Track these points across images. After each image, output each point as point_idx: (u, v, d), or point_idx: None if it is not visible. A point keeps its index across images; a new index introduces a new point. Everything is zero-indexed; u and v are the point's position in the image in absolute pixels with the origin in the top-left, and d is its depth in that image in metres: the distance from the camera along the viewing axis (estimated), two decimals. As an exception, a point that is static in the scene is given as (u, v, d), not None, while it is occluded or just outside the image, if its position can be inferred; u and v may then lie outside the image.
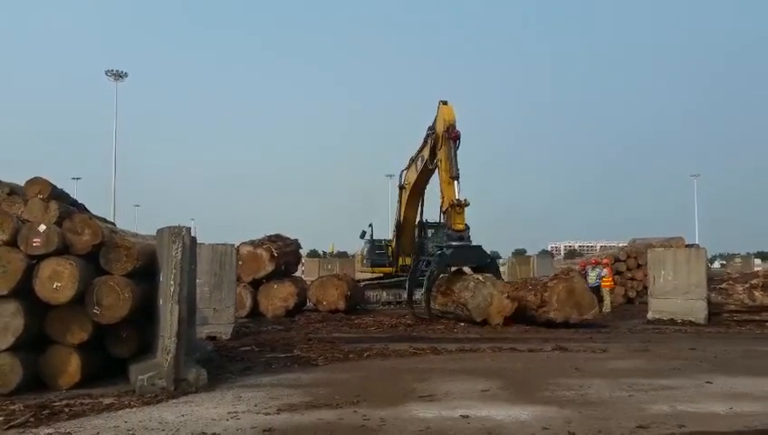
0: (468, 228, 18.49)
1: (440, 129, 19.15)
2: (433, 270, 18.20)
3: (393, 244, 25.22)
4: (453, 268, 19.15)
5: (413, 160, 22.28)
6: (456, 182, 18.47)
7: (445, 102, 19.33)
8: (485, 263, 18.55)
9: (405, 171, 23.32)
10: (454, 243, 18.30)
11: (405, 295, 22.64)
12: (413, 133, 21.96)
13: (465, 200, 18.28)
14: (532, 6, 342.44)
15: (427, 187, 22.13)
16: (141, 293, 8.43)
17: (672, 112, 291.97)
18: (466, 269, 19.06)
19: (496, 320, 16.22)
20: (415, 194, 22.73)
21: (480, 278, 17.10)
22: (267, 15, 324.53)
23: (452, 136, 18.67)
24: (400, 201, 23.90)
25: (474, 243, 18.70)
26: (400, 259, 24.64)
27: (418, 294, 19.38)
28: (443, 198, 19.04)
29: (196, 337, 11.22)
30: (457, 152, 18.73)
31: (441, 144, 19.05)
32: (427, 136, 20.36)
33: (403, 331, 15.63)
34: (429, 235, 23.93)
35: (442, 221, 19.89)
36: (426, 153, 20.51)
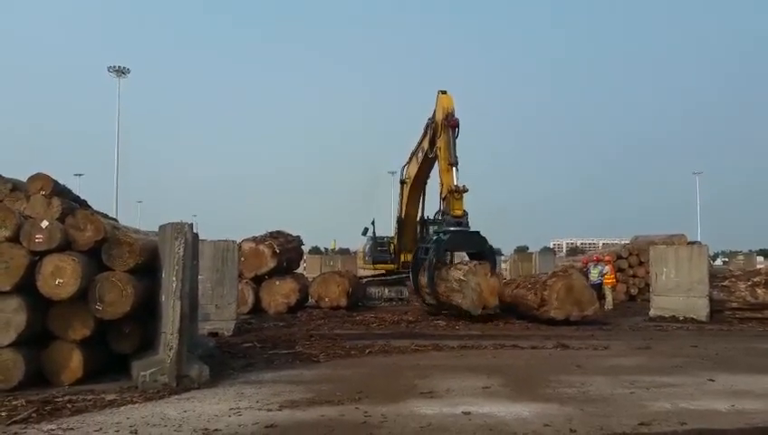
0: (467, 214, 18.55)
1: (439, 117, 19.36)
2: (432, 257, 18.19)
3: (395, 241, 25.21)
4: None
5: (413, 154, 22.39)
6: (454, 169, 18.60)
7: (444, 92, 19.60)
8: (483, 249, 18.53)
9: (406, 166, 23.41)
10: (451, 228, 18.35)
11: (402, 291, 22.78)
12: (414, 131, 22.30)
13: (464, 187, 18.39)
14: (533, 6, 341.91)
15: (429, 182, 22.20)
16: (143, 289, 8.44)
17: (675, 109, 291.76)
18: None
19: (492, 302, 16.55)
20: (416, 187, 22.76)
21: (461, 277, 16.95)
22: (270, 14, 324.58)
23: (451, 123, 18.86)
24: (401, 197, 23.93)
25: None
26: (402, 256, 24.60)
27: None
28: (442, 184, 19.18)
29: (198, 333, 11.23)
30: (456, 140, 18.86)
31: (440, 132, 19.21)
32: (427, 126, 20.54)
33: (405, 328, 15.63)
34: (431, 231, 23.88)
35: (442, 208, 19.90)
36: (425, 144, 20.65)
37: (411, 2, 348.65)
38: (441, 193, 19.42)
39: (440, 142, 19.16)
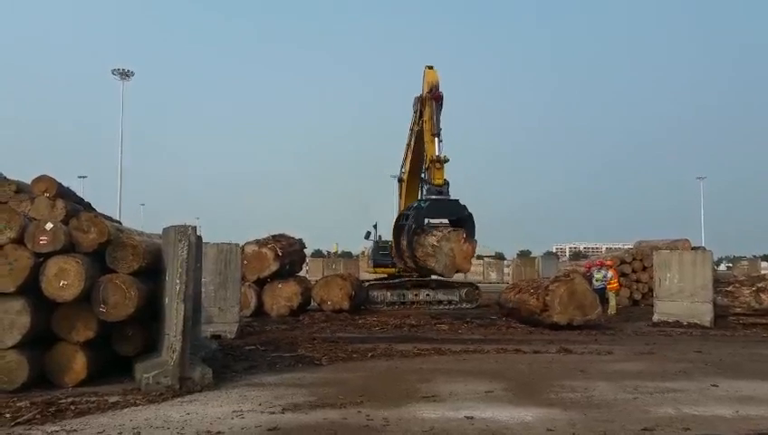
0: (447, 184, 19.32)
1: (425, 91, 20.50)
2: (411, 224, 18.86)
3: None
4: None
5: (408, 144, 23.26)
6: (436, 139, 19.55)
7: (430, 67, 20.67)
8: (463, 216, 19.09)
9: (403, 162, 24.04)
10: (432, 196, 19.15)
11: (405, 294, 23.01)
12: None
13: (445, 156, 19.34)
14: (538, 7, 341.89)
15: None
16: (147, 291, 8.46)
17: (679, 114, 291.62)
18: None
19: (466, 267, 17.59)
20: (413, 180, 23.20)
21: (434, 243, 17.63)
22: (275, 12, 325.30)
23: (435, 96, 19.90)
24: (400, 195, 24.18)
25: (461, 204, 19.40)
26: None
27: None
28: (426, 155, 20.22)
29: (201, 336, 11.24)
30: (441, 114, 19.88)
31: (425, 105, 20.29)
32: (415, 103, 21.83)
33: (407, 331, 15.61)
34: None
35: (425, 178, 20.82)
36: (414, 123, 21.92)
37: (413, 3, 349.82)
38: (425, 163, 20.43)
39: (426, 115, 20.19)
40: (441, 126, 19.73)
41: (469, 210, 19.21)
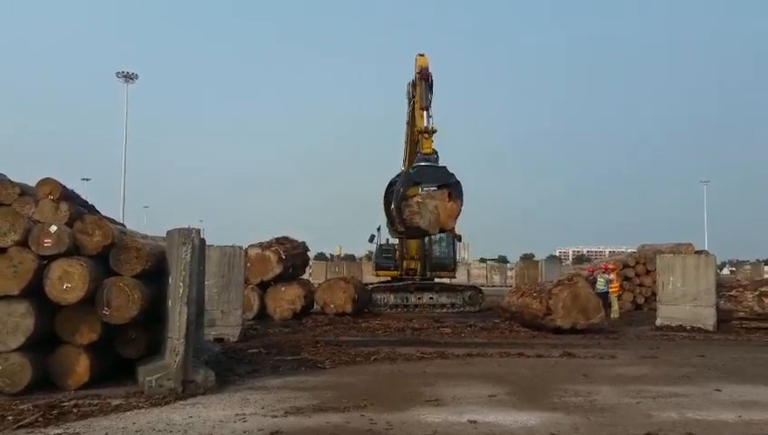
0: (436, 153, 20.42)
1: (415, 72, 21.76)
2: (399, 188, 20.03)
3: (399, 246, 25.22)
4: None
5: (406, 142, 24.11)
6: (425, 112, 20.76)
7: (421, 54, 22.05)
8: (449, 182, 19.83)
9: (403, 161, 24.52)
10: (420, 163, 20.21)
11: (408, 297, 23.16)
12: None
13: (433, 127, 20.59)
14: (540, 9, 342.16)
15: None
16: (150, 294, 8.47)
17: (683, 117, 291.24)
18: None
19: (450, 224, 18.72)
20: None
21: (419, 200, 18.91)
22: (275, 13, 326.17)
23: (424, 76, 21.24)
24: None
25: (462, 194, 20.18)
26: (405, 262, 24.58)
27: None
28: (415, 128, 21.51)
29: (204, 339, 11.25)
30: (431, 94, 21.08)
31: (416, 85, 21.60)
32: (408, 91, 23.05)
33: (410, 335, 15.61)
34: (436, 238, 23.94)
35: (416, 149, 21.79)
36: (408, 108, 23.07)
37: (415, 2, 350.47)
38: (415, 135, 21.71)
39: (416, 94, 21.44)
40: (431, 102, 20.88)
41: (457, 178, 19.99)
